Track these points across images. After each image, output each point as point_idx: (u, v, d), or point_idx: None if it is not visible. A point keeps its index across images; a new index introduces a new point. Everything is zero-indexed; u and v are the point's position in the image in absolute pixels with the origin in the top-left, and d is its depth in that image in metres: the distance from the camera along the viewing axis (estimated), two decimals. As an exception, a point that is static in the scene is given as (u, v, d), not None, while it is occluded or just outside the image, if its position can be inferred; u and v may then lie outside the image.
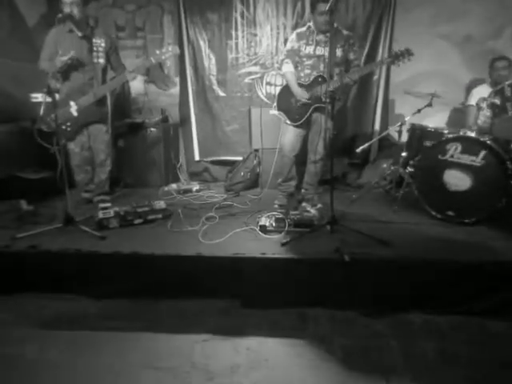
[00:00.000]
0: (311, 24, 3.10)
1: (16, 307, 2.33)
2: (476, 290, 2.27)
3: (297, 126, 3.22)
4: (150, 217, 2.96)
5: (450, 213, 2.95)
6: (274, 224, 2.76)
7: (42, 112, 3.01)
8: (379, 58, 4.02)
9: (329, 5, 2.58)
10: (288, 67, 3.18)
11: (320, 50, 3.08)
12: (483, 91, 3.44)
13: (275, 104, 3.28)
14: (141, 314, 2.27)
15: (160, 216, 3.00)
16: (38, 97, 3.62)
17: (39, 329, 2.15)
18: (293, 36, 3.17)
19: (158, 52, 3.10)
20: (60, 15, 2.93)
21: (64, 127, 3.12)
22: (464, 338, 2.07)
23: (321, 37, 3.06)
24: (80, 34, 3.12)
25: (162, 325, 2.18)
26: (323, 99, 3.04)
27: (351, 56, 3.14)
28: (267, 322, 2.20)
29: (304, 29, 3.14)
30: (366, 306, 2.27)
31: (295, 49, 3.14)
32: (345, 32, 3.13)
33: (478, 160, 2.84)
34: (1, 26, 3.82)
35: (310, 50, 3.10)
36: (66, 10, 2.97)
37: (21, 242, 2.56)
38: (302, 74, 3.17)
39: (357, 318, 2.23)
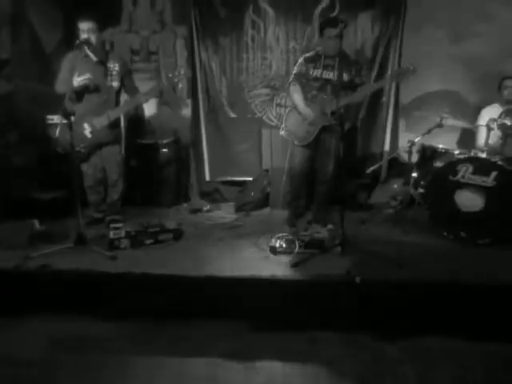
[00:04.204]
0: (319, 49, 3.17)
1: (26, 328, 2.33)
2: (494, 315, 2.21)
3: (305, 147, 3.25)
4: (161, 237, 2.97)
5: (463, 234, 2.91)
6: (284, 245, 2.75)
7: (57, 134, 3.08)
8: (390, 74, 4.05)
9: (337, 31, 2.64)
10: (295, 89, 3.24)
11: (327, 74, 3.14)
12: (493, 111, 3.44)
13: (283, 125, 3.33)
14: (150, 336, 2.25)
15: (171, 236, 3.01)
16: (54, 118, 3.72)
17: (48, 350, 2.15)
18: (301, 60, 3.25)
19: (170, 75, 3.18)
20: (78, 41, 3.03)
21: (78, 149, 3.18)
22: (483, 364, 2.00)
23: (328, 61, 3.12)
24: (95, 59, 3.21)
25: (171, 348, 2.16)
26: (330, 118, 3.08)
27: (358, 80, 3.18)
28: (278, 345, 2.16)
29: (312, 53, 3.21)
30: (379, 330, 2.22)
31: (303, 73, 3.20)
32: (352, 57, 3.19)
33: (489, 181, 2.82)
34: (21, 51, 3.97)
35: (317, 73, 3.16)
36: (83, 36, 3.07)
37: (32, 261, 2.58)
38: (309, 96, 3.22)
39: (369, 341, 2.18)
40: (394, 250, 2.79)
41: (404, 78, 3.02)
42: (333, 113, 3.05)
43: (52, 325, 2.34)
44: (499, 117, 3.02)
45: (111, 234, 2.85)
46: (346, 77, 3.10)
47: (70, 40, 3.55)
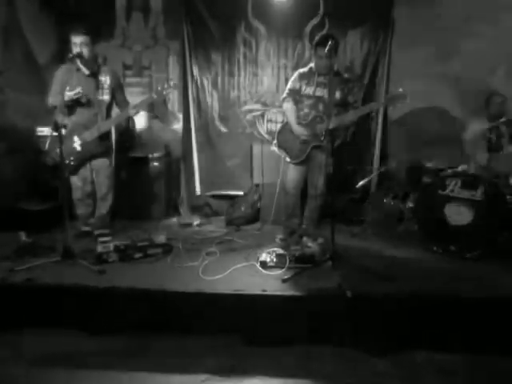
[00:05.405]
0: (313, 65, 3.22)
1: (11, 343, 2.26)
2: (483, 327, 2.21)
3: (297, 163, 3.27)
4: (150, 251, 2.93)
5: (452, 247, 2.94)
6: (274, 260, 2.73)
7: (47, 146, 3.05)
8: (377, 97, 4.14)
9: (327, 49, 2.69)
10: (289, 106, 3.27)
11: (320, 92, 3.18)
12: (480, 126, 3.51)
13: (275, 141, 3.35)
14: (139, 351, 2.20)
15: (160, 250, 2.97)
16: (44, 130, 3.71)
17: (34, 366, 2.08)
18: (295, 76, 3.28)
19: (159, 88, 3.19)
20: (70, 55, 3.03)
21: (67, 161, 3.16)
22: (473, 378, 2.00)
23: (321, 78, 3.16)
24: (87, 72, 3.21)
25: (160, 364, 2.11)
26: (322, 138, 3.11)
27: (350, 99, 3.23)
28: (269, 360, 2.13)
29: (306, 69, 3.25)
30: (370, 344, 2.21)
31: (296, 89, 3.23)
32: (345, 75, 3.25)
33: (477, 195, 2.86)
34: (13, 63, 3.98)
35: (310, 90, 3.20)
36: (76, 49, 3.07)
37: (18, 275, 2.52)
38: (302, 113, 3.25)
39: (361, 356, 2.16)
40: (384, 264, 2.80)
41: (395, 103, 3.07)
42: (323, 132, 3.09)
43: (38, 340, 2.28)
44: (485, 133, 3.09)
45: (99, 248, 2.81)
46: (338, 95, 3.14)
47: (62, 52, 3.57)
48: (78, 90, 3.07)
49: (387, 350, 2.17)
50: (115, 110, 3.42)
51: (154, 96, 3.18)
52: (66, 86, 3.10)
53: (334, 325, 2.28)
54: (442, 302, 2.27)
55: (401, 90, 3.00)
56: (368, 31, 4.13)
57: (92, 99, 3.20)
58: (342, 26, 4.11)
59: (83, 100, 3.13)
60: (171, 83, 3.23)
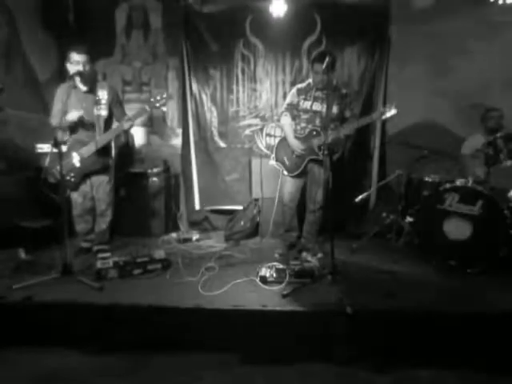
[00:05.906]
0: (311, 81, 3.27)
1: (9, 362, 2.24)
2: (485, 344, 2.20)
3: (294, 177, 3.30)
4: (150, 267, 2.92)
5: (452, 262, 2.93)
6: (274, 275, 2.72)
7: (47, 163, 3.07)
8: (374, 112, 4.18)
9: (324, 65, 2.74)
10: (286, 120, 3.32)
11: (317, 106, 3.22)
12: (477, 141, 3.55)
13: (273, 155, 3.39)
14: (137, 369, 2.18)
15: (159, 266, 2.97)
16: (44, 147, 3.72)
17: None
18: (293, 91, 3.33)
19: (152, 100, 3.21)
20: (70, 73, 3.06)
21: (68, 178, 3.17)
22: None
23: (318, 93, 3.21)
24: (85, 89, 3.24)
25: (159, 381, 2.08)
26: (318, 152, 3.14)
27: (347, 114, 3.28)
28: (268, 378, 2.11)
29: (304, 84, 3.31)
30: (370, 360, 2.19)
31: (294, 103, 3.28)
32: (343, 91, 3.29)
33: (475, 209, 2.87)
34: (14, 80, 4.02)
35: (307, 105, 3.24)
36: (76, 67, 3.09)
37: (16, 292, 2.50)
38: (299, 127, 3.29)
39: (361, 373, 2.14)
40: (384, 278, 2.79)
41: (388, 117, 3.11)
42: (320, 147, 3.12)
43: (37, 358, 2.26)
44: (482, 148, 3.11)
45: (99, 264, 2.80)
46: (335, 109, 3.19)
47: (63, 71, 3.60)
48: (79, 113, 3.10)
49: (388, 366, 2.15)
50: (115, 125, 3.44)
51: (147, 108, 3.18)
52: (66, 105, 3.10)
53: (335, 341, 2.26)
54: (443, 318, 2.26)
55: (394, 104, 3.04)
56: (365, 47, 4.19)
57: (92, 119, 3.20)
58: (339, 42, 4.17)
59: (85, 121, 3.17)
60: (164, 95, 3.24)
